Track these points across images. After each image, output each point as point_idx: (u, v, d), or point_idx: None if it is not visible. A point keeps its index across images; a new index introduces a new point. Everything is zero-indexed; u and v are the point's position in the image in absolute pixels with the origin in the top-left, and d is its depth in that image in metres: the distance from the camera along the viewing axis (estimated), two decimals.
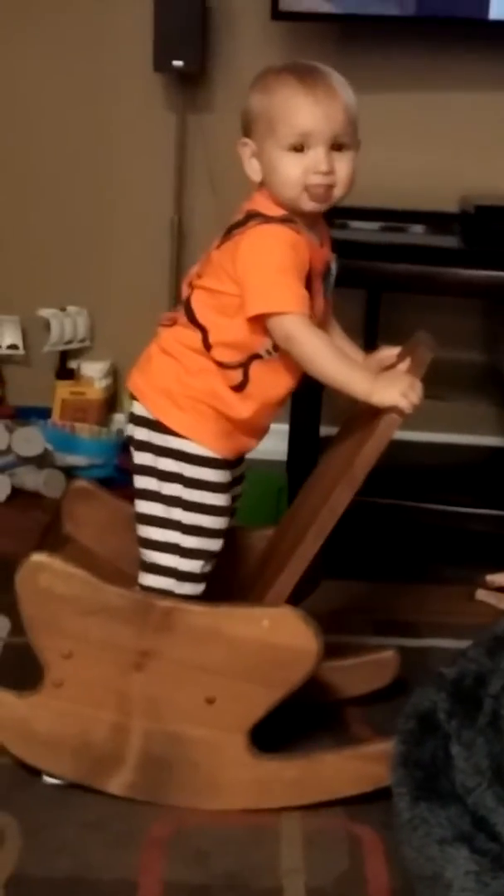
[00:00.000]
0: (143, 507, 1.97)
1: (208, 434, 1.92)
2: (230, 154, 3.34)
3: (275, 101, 1.84)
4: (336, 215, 2.91)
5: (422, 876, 1.56)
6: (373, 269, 2.70)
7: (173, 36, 3.22)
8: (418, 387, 1.79)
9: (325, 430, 2.81)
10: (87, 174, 3.49)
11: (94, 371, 3.57)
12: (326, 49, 3.22)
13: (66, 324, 3.52)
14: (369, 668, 2.24)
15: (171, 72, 3.29)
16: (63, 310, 3.53)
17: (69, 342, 3.55)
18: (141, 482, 1.97)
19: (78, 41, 3.40)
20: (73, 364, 3.59)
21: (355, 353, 2.02)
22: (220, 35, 3.34)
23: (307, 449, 2.75)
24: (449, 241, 2.89)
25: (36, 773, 2.00)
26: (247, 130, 1.89)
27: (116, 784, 1.96)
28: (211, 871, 1.82)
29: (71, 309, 3.54)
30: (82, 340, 3.58)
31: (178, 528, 1.94)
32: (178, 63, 3.24)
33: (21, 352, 3.60)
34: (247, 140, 1.89)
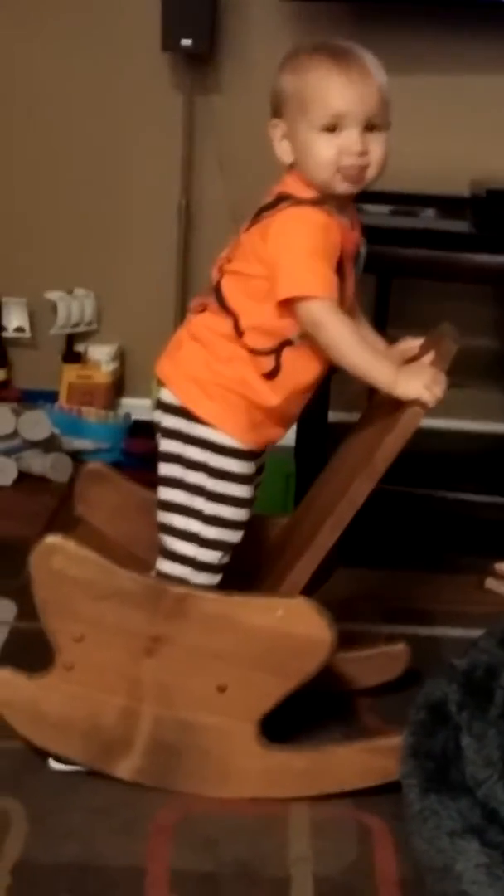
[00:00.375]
0: (166, 493, 1.95)
1: (237, 425, 1.90)
2: (239, 136, 3.35)
3: (308, 82, 1.82)
4: (357, 197, 2.90)
5: (432, 868, 1.55)
6: (383, 254, 2.67)
7: (182, 15, 3.20)
8: (442, 380, 1.78)
9: (334, 417, 2.79)
10: (95, 155, 3.47)
11: (101, 354, 3.55)
12: (336, 30, 3.18)
13: (74, 307, 3.51)
14: (380, 661, 2.24)
15: (179, 51, 3.26)
16: (70, 292, 3.52)
17: (76, 325, 3.53)
18: (165, 469, 1.95)
19: (85, 20, 3.37)
20: (79, 347, 3.58)
21: (379, 342, 2.00)
22: (230, 14, 3.32)
23: (315, 435, 2.74)
24: (460, 226, 2.86)
25: (43, 758, 1.99)
26: (277, 111, 1.87)
27: (124, 768, 1.96)
28: (219, 858, 1.82)
29: (78, 292, 3.53)
30: (89, 323, 3.56)
31: (198, 517, 1.93)
32: (186, 42, 3.21)
33: (28, 335, 3.59)
34: (277, 121, 1.87)
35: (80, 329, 3.55)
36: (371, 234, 2.68)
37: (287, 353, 1.88)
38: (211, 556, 1.94)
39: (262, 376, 1.89)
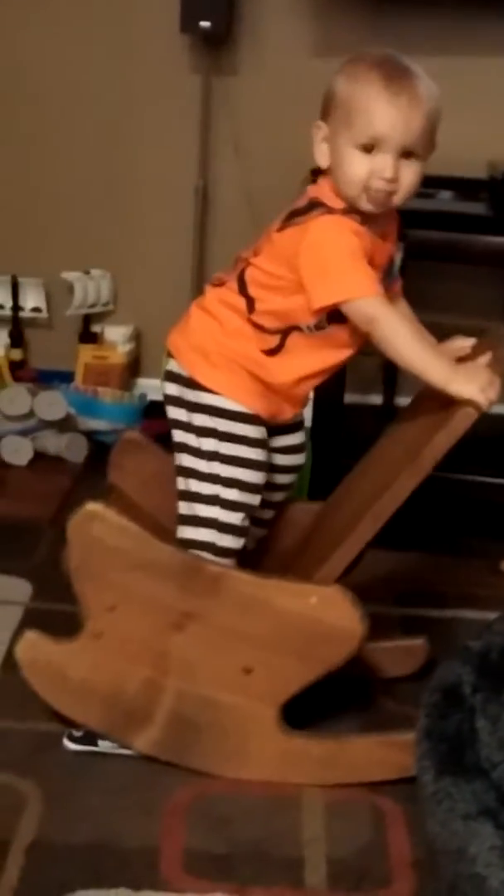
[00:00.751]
0: (184, 460, 1.97)
1: (240, 390, 1.93)
2: (256, 119, 3.34)
3: (358, 96, 1.81)
4: None
5: (445, 850, 1.55)
6: (401, 237, 2.67)
7: None
8: (497, 384, 1.79)
9: (350, 399, 2.79)
10: (112, 136, 3.46)
11: (117, 335, 3.55)
12: (355, 13, 3.18)
13: (90, 287, 3.50)
14: (399, 655, 2.24)
15: (197, 33, 3.25)
16: (87, 273, 3.51)
17: (92, 306, 3.53)
18: (179, 436, 1.98)
19: (104, 1, 3.36)
20: (96, 328, 3.58)
21: (431, 339, 2.00)
22: None
23: (332, 416, 2.74)
24: (477, 208, 2.86)
25: (58, 739, 2.00)
26: (324, 112, 1.87)
27: (142, 740, 1.96)
28: (232, 839, 1.82)
29: (95, 272, 3.52)
30: (105, 304, 3.56)
31: (218, 480, 1.95)
32: (204, 24, 3.20)
33: (44, 315, 3.59)
34: (321, 123, 1.87)
35: (97, 310, 3.55)
36: None
37: (294, 337, 1.90)
38: (232, 517, 1.95)
39: (264, 352, 1.91)
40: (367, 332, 1.84)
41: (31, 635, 1.99)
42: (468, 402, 1.78)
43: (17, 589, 2.50)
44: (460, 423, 1.79)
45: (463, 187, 2.99)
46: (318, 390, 2.72)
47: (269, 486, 2.02)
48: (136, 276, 3.55)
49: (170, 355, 1.99)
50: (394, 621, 2.43)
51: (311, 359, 1.93)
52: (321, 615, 1.85)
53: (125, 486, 2.15)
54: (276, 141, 3.27)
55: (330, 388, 2.71)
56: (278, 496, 2.11)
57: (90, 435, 3.28)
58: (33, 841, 1.79)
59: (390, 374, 3.20)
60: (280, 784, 1.94)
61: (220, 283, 1.96)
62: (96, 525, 1.90)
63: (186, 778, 1.94)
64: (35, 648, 1.99)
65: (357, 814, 1.89)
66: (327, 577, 1.89)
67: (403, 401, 3.24)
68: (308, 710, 1.96)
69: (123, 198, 3.50)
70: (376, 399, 3.30)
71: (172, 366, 1.98)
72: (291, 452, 2.08)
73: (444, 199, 2.98)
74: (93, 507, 1.91)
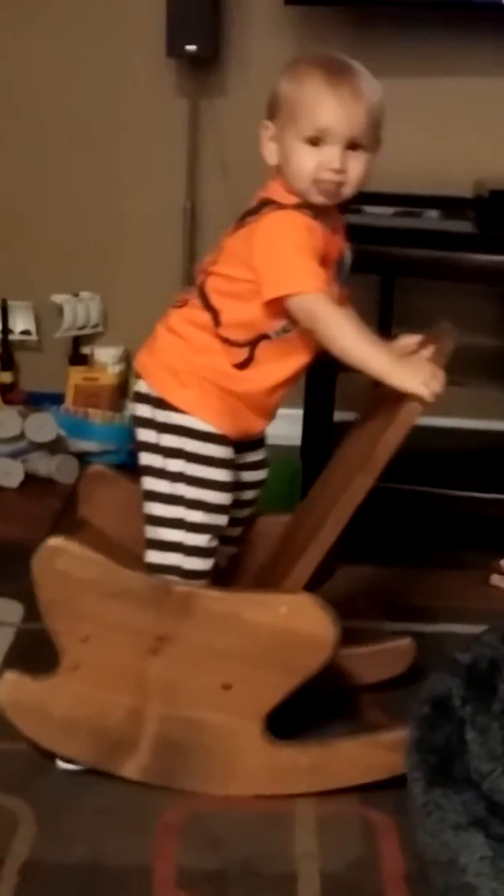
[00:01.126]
0: (149, 483, 1.97)
1: (210, 410, 1.93)
2: (243, 140, 3.32)
3: (301, 92, 1.85)
4: (350, 200, 2.90)
5: (436, 861, 1.55)
6: (387, 255, 2.69)
7: (186, 20, 3.21)
8: (440, 376, 1.79)
9: (340, 416, 2.80)
10: (99, 160, 3.48)
11: (107, 356, 3.56)
12: (340, 33, 3.20)
13: (79, 309, 3.52)
14: (385, 656, 2.24)
15: (183, 56, 3.28)
16: (76, 295, 3.53)
17: (82, 328, 3.54)
18: (145, 459, 1.98)
19: (90, 25, 3.39)
20: (86, 350, 3.59)
21: (374, 338, 2.01)
22: (234, 19, 3.33)
23: (321, 434, 2.75)
24: (463, 226, 2.87)
25: (50, 759, 2.00)
26: (271, 113, 1.90)
27: (131, 768, 1.96)
28: (225, 856, 1.82)
29: (84, 294, 3.54)
30: (95, 326, 3.57)
31: (182, 503, 1.95)
32: (191, 48, 3.23)
33: (34, 337, 3.60)
34: (268, 123, 1.91)
35: (86, 331, 3.57)
36: (375, 234, 2.71)
37: (262, 347, 1.91)
38: (198, 539, 1.96)
39: (235, 366, 1.92)
40: (309, 329, 1.85)
41: (10, 676, 1.99)
42: (413, 397, 1.77)
43: (8, 610, 2.49)
44: (407, 418, 1.79)
45: (449, 206, 3.01)
46: (308, 408, 2.76)
47: (235, 504, 2.02)
48: (125, 298, 3.56)
49: (138, 376, 1.99)
50: (384, 636, 2.42)
51: (282, 365, 1.93)
52: (292, 624, 1.85)
53: (96, 519, 2.15)
54: (263, 162, 3.28)
55: (319, 405, 2.73)
56: (245, 512, 2.11)
57: (81, 456, 3.28)
58: (26, 861, 1.78)
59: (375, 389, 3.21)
60: (272, 799, 1.93)
61: (183, 303, 1.96)
62: (60, 559, 1.90)
63: (178, 797, 1.94)
64: (15, 689, 1.98)
65: (348, 827, 1.88)
66: (295, 585, 1.88)
67: None
68: (295, 724, 1.96)
69: (112, 220, 3.52)
70: None
71: (142, 387, 1.98)
72: (257, 468, 2.09)
73: (431, 218, 3.00)
74: (55, 541, 1.91)
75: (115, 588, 1.90)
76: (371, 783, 1.93)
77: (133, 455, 3.19)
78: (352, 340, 1.82)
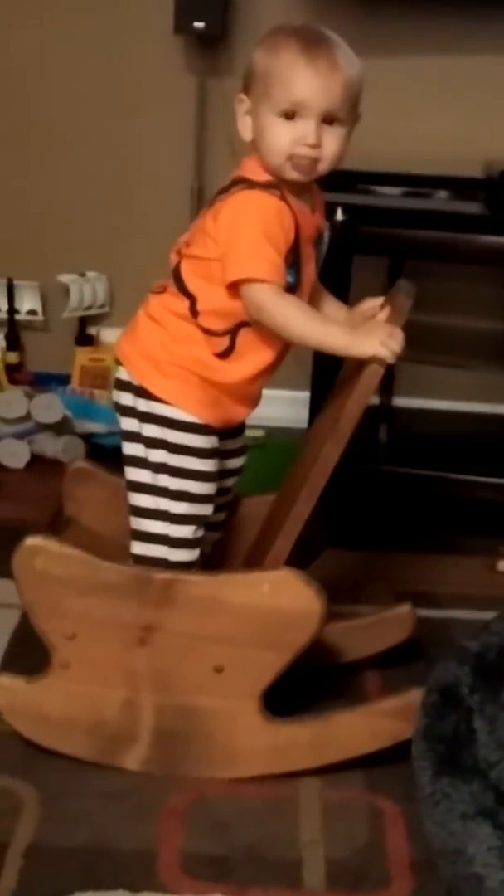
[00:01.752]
0: (132, 474, 1.96)
1: (192, 400, 1.91)
2: None
3: (276, 64, 1.80)
4: (359, 180, 2.88)
5: (443, 850, 1.55)
6: (396, 236, 2.67)
7: None
8: (398, 334, 1.77)
9: None
10: (107, 138, 3.46)
11: (113, 337, 3.48)
12: (350, 11, 3.18)
13: (86, 289, 3.50)
14: (386, 625, 2.24)
15: (191, 34, 3.25)
16: (82, 275, 3.51)
17: (88, 308, 3.53)
18: (128, 448, 1.96)
19: (97, 3, 3.36)
20: (92, 330, 3.58)
21: (339, 310, 2.01)
22: None
23: None
24: (473, 208, 2.86)
25: None
26: (245, 86, 1.86)
27: (132, 760, 1.96)
28: (230, 842, 1.82)
29: (90, 274, 3.52)
30: (102, 306, 3.56)
31: (165, 494, 1.94)
32: (199, 25, 3.20)
33: (40, 318, 3.59)
34: (243, 96, 1.86)
35: (93, 312, 3.55)
36: (385, 215, 2.69)
37: (243, 334, 1.89)
38: (183, 531, 1.95)
39: (216, 356, 1.90)
40: (256, 320, 1.83)
41: (3, 680, 1.98)
42: (373, 359, 1.76)
43: (14, 592, 2.48)
44: (368, 381, 1.77)
45: (459, 187, 2.99)
46: (315, 392, 2.74)
47: (217, 492, 2.01)
48: (132, 278, 3.53)
49: (119, 363, 1.97)
50: (388, 607, 2.42)
51: (263, 353, 1.91)
52: (276, 601, 1.84)
53: (82, 516, 2.15)
54: None
55: (327, 390, 2.71)
56: (226, 498, 2.10)
57: (87, 437, 3.27)
58: (30, 844, 1.78)
59: (387, 375, 3.19)
60: (276, 784, 1.93)
61: (163, 290, 1.94)
62: (39, 558, 1.89)
63: (183, 781, 1.94)
64: (9, 692, 1.98)
65: (355, 814, 1.88)
66: (275, 562, 1.87)
67: (401, 401, 3.24)
68: (295, 701, 1.96)
69: (119, 200, 3.50)
70: (373, 399, 3.29)
71: (122, 374, 1.96)
72: (237, 455, 2.08)
73: (441, 199, 2.99)
74: (32, 541, 1.90)
75: (95, 583, 1.89)
76: (378, 767, 1.94)
77: None
78: (303, 325, 1.80)
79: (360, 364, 1.80)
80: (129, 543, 1.99)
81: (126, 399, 1.95)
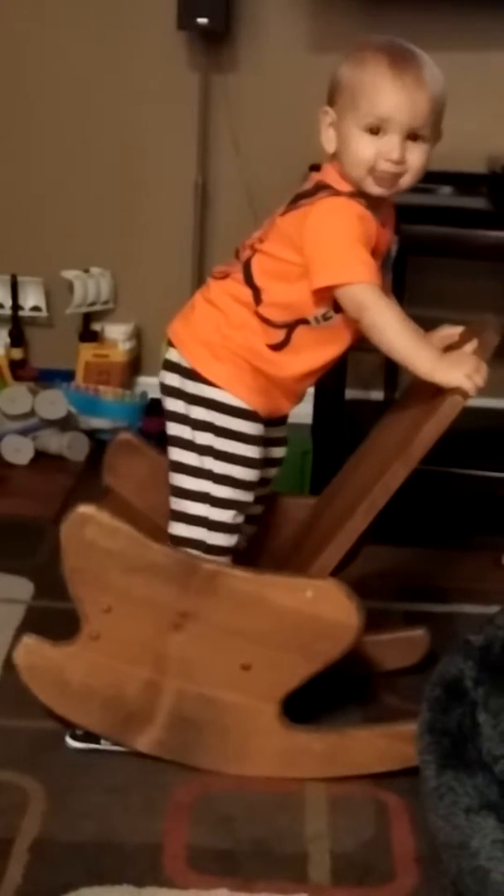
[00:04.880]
0: (176, 454, 1.97)
1: (243, 386, 1.92)
2: (254, 114, 3.34)
3: (363, 78, 1.81)
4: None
5: (448, 844, 1.55)
6: (400, 232, 2.66)
7: None
8: (483, 369, 1.79)
9: (351, 394, 2.79)
10: (110, 134, 3.46)
11: (117, 333, 3.55)
12: (353, 8, 3.18)
13: (90, 285, 3.50)
14: (399, 646, 2.24)
15: (194, 30, 3.25)
16: (87, 271, 3.51)
17: (93, 304, 3.53)
18: (174, 429, 1.97)
19: None
20: (96, 326, 3.58)
21: (417, 329, 2.00)
22: None
23: (333, 412, 2.73)
24: (477, 203, 2.85)
25: (61, 737, 2.00)
26: (331, 99, 1.87)
27: (144, 741, 1.96)
28: (236, 836, 1.82)
29: (94, 270, 3.52)
30: (105, 302, 3.56)
31: (209, 476, 1.94)
32: (202, 21, 3.20)
33: (44, 314, 3.59)
34: (328, 109, 1.87)
35: (97, 308, 3.55)
36: None
37: (300, 331, 1.89)
38: (223, 514, 1.95)
39: (270, 346, 1.91)
40: (356, 319, 1.83)
41: (28, 640, 1.99)
42: (455, 390, 1.77)
43: (19, 588, 2.49)
44: (448, 410, 1.78)
45: (462, 182, 2.99)
46: (319, 386, 2.74)
47: (258, 481, 2.02)
48: (136, 274, 3.55)
49: (170, 344, 1.98)
50: (397, 616, 2.43)
51: (316, 354, 1.92)
52: (317, 609, 1.85)
53: (121, 488, 2.14)
54: (275, 137, 3.28)
55: (331, 384, 2.71)
56: (265, 490, 2.11)
57: (91, 433, 3.28)
58: (36, 839, 1.78)
59: (391, 370, 3.19)
60: (283, 780, 1.93)
61: (224, 276, 1.95)
62: (89, 528, 1.89)
63: (189, 775, 1.94)
64: (33, 653, 1.99)
65: (360, 809, 1.88)
66: (322, 571, 1.88)
67: None
68: (310, 706, 1.96)
69: (122, 195, 3.50)
70: (377, 395, 3.29)
71: (173, 355, 1.97)
72: (279, 444, 2.08)
73: (444, 194, 2.98)
74: (85, 509, 1.90)
75: (141, 561, 1.89)
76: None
77: (143, 433, 3.22)
78: (398, 335, 1.81)
79: (434, 388, 1.80)
80: (163, 522, 1.99)
81: (173, 380, 1.96)
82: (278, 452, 2.09)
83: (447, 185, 2.99)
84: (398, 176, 1.83)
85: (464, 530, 2.87)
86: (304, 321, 1.89)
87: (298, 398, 2.01)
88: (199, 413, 1.93)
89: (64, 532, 1.91)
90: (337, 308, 1.87)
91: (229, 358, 1.91)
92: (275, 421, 2.03)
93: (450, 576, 2.65)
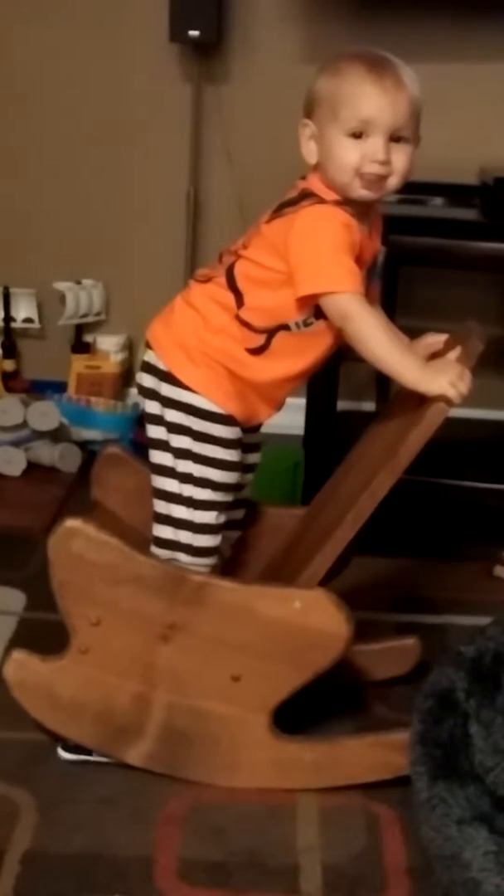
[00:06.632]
0: (156, 456, 1.97)
1: (219, 391, 1.92)
2: (247, 126, 3.35)
3: (342, 86, 1.82)
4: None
5: (440, 856, 1.55)
6: (391, 243, 2.65)
7: (189, 5, 3.19)
8: (468, 377, 1.78)
9: (342, 405, 2.79)
10: (102, 146, 3.47)
11: (109, 345, 3.56)
12: (345, 19, 3.19)
13: (82, 297, 3.51)
14: (391, 655, 2.24)
15: (186, 42, 3.26)
16: (79, 283, 3.52)
17: (84, 315, 3.53)
18: (152, 431, 1.97)
19: (93, 11, 3.37)
20: (88, 338, 3.58)
21: (403, 338, 2.00)
22: (237, 5, 3.32)
23: (324, 423, 2.73)
24: (468, 214, 2.86)
25: (52, 749, 2.00)
26: (308, 111, 1.87)
27: (135, 754, 1.96)
28: (227, 847, 1.82)
29: (86, 282, 3.53)
30: (98, 314, 3.56)
31: (189, 480, 1.94)
32: (194, 33, 3.21)
33: (36, 325, 3.59)
34: (307, 121, 1.87)
35: (89, 319, 3.56)
36: None
37: (280, 336, 1.89)
38: (206, 516, 1.95)
39: (249, 351, 1.90)
40: (339, 328, 1.83)
41: (18, 655, 1.98)
42: (440, 398, 1.77)
43: (10, 599, 2.49)
44: (433, 418, 1.78)
45: (454, 193, 3.00)
46: (311, 397, 2.74)
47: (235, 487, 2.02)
48: (128, 286, 3.55)
49: (148, 346, 1.98)
50: (388, 627, 2.42)
51: (295, 359, 1.92)
52: (306, 619, 1.84)
53: (108, 501, 2.14)
54: (267, 148, 3.28)
55: (323, 395, 2.72)
56: (243, 494, 2.10)
57: (83, 445, 3.28)
58: (27, 850, 1.78)
59: (383, 381, 3.20)
60: (274, 792, 1.93)
61: (207, 279, 1.95)
62: (77, 541, 1.89)
63: (181, 787, 1.94)
64: (23, 668, 1.98)
65: (352, 820, 1.88)
66: (310, 581, 1.88)
67: None
68: (301, 717, 1.96)
69: (114, 207, 3.51)
70: (369, 406, 3.30)
71: (150, 357, 1.97)
72: (254, 451, 2.08)
73: (436, 206, 2.99)
74: (72, 523, 1.90)
75: (128, 573, 1.89)
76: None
77: (135, 444, 3.22)
78: (381, 344, 1.80)
79: (419, 396, 1.80)
80: (150, 534, 1.99)
81: (149, 381, 1.96)
82: (253, 458, 2.08)
83: (439, 196, 3.00)
84: (384, 178, 1.83)
85: (455, 541, 2.87)
86: (285, 327, 1.89)
87: (277, 405, 2.01)
88: (174, 416, 1.93)
89: (51, 546, 1.91)
90: (318, 314, 1.86)
91: (206, 362, 1.91)
92: (249, 427, 2.02)
93: (441, 586, 2.64)
